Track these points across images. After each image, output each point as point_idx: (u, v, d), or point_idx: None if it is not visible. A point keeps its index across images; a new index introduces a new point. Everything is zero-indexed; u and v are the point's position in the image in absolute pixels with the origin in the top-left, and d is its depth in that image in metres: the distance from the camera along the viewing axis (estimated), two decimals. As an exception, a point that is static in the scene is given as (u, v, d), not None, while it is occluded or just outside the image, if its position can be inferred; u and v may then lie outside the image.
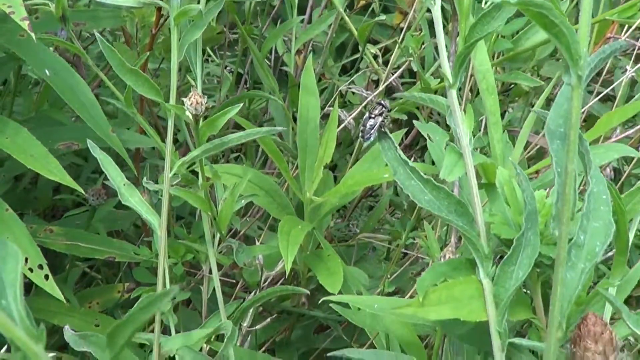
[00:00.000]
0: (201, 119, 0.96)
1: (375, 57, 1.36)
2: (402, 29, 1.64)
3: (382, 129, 0.85)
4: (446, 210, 0.83)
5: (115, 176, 1.02)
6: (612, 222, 0.75)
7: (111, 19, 1.32)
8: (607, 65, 1.55)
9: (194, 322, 1.42)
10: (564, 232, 0.68)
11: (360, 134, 0.86)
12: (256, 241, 1.30)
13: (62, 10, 1.01)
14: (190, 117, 0.94)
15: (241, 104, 0.98)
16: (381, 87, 1.32)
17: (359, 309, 1.09)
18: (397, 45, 1.30)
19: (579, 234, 0.73)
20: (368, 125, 0.84)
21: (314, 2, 1.64)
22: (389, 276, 1.28)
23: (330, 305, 1.18)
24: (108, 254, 1.36)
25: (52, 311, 1.40)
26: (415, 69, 1.28)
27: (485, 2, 1.06)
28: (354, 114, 1.33)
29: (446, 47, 1.45)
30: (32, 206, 1.66)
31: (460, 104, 1.32)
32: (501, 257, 1.02)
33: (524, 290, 0.93)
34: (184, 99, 0.94)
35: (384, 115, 0.85)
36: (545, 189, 1.17)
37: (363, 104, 1.36)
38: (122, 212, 1.54)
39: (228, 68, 1.86)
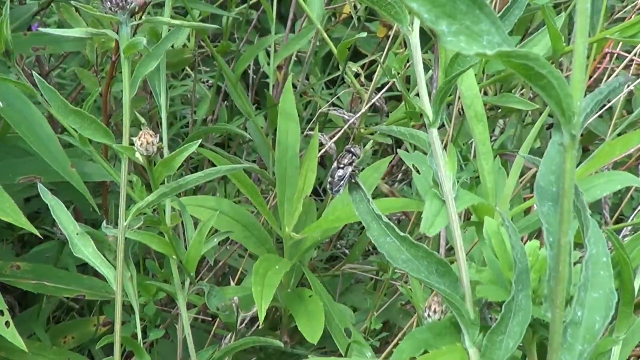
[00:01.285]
0: (157, 158, 0.85)
1: (356, 75, 1.24)
2: (387, 37, 1.53)
3: (353, 180, 0.74)
4: (426, 271, 0.72)
5: (67, 225, 0.91)
6: (613, 291, 0.64)
7: (72, 43, 1.21)
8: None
9: (173, 355, 1.32)
10: (557, 316, 0.57)
11: (328, 186, 0.75)
12: (232, 281, 1.19)
13: (4, 45, 0.90)
14: (141, 159, 0.83)
15: (199, 141, 0.87)
16: (363, 109, 1.20)
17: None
18: (380, 65, 1.18)
19: (575, 310, 0.62)
20: (336, 177, 0.73)
21: (295, 12, 1.52)
22: (375, 312, 1.17)
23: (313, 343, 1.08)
24: (77, 293, 1.25)
25: (22, 350, 1.30)
26: (400, 88, 1.17)
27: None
28: (335, 138, 1.22)
29: (428, 64, 1.34)
30: (5, 235, 1.56)
31: (449, 124, 1.21)
32: (489, 305, 0.92)
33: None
34: (134, 139, 0.83)
35: (354, 164, 0.74)
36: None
37: (346, 125, 1.25)
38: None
39: (209, 82, 1.75)
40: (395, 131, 0.90)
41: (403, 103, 1.22)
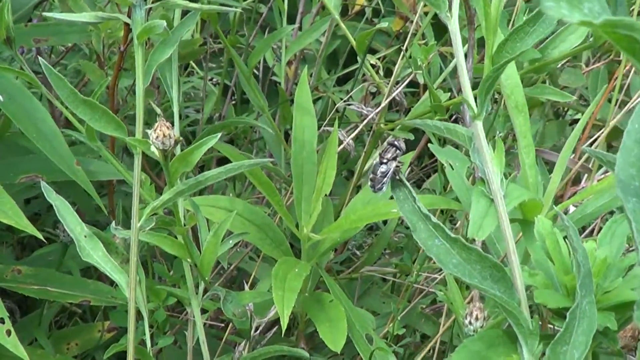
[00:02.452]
0: (172, 154, 0.76)
1: (373, 66, 1.15)
2: (402, 34, 1.44)
3: (397, 176, 0.65)
4: (479, 276, 0.63)
5: (74, 226, 0.82)
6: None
7: (76, 34, 1.11)
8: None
9: (182, 364, 1.23)
10: (653, 327, 0.49)
11: (369, 183, 0.66)
12: (246, 286, 1.10)
13: (5, 31, 0.81)
14: (157, 153, 0.74)
15: (219, 134, 0.78)
16: (384, 103, 1.11)
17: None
18: (402, 56, 1.09)
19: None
20: (379, 173, 0.64)
21: (304, 8, 1.43)
22: (398, 318, 1.08)
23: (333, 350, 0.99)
24: (82, 298, 1.16)
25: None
26: (421, 82, 1.08)
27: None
28: (353, 134, 1.13)
29: (447, 56, 1.25)
30: (4, 238, 1.45)
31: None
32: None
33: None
34: (149, 132, 0.74)
35: (398, 159, 0.65)
36: (588, 224, 0.97)
37: (364, 123, 1.16)
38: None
39: (214, 80, 1.65)
40: (431, 125, 0.81)
41: (424, 97, 1.13)
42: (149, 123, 0.80)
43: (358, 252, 1.48)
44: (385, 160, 0.65)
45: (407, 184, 0.65)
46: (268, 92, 1.64)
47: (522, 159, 0.84)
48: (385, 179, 0.65)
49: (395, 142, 0.66)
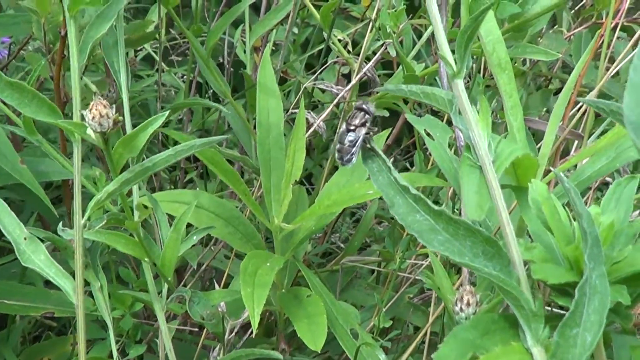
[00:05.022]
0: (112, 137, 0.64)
1: (341, 41, 1.04)
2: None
3: (368, 145, 0.54)
4: (470, 254, 0.52)
5: (13, 229, 0.70)
6: None
7: (18, 26, 0.99)
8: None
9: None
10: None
11: (337, 155, 0.55)
12: (217, 285, 0.98)
13: None
14: (93, 136, 0.62)
15: (166, 113, 0.67)
16: (354, 80, 1.00)
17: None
18: (370, 27, 0.98)
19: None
20: (347, 142, 0.53)
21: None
22: (384, 309, 0.97)
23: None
24: (44, 310, 1.04)
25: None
26: (393, 54, 0.97)
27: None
28: (324, 115, 1.02)
29: (420, 29, 1.14)
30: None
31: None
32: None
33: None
34: (84, 112, 0.62)
35: (367, 125, 0.54)
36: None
37: (334, 102, 1.05)
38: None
39: (185, 77, 1.54)
40: (405, 90, 0.70)
41: (397, 70, 1.02)
42: (95, 94, 0.68)
43: (343, 245, 1.37)
44: (353, 127, 0.54)
45: (380, 152, 0.54)
46: (240, 85, 1.52)
47: (509, 121, 0.73)
48: (355, 148, 0.54)
49: (364, 106, 0.55)
